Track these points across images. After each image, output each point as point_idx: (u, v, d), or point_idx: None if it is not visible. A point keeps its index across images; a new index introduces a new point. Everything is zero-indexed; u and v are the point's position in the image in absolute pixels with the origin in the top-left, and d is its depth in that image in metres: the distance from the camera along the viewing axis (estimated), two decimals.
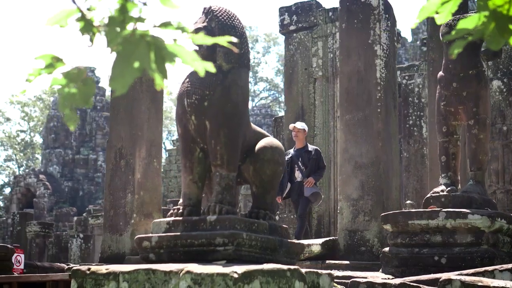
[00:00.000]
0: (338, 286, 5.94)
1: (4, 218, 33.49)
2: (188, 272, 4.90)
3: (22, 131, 48.63)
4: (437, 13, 2.27)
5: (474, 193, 7.41)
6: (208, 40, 2.32)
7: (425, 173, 14.38)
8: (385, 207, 8.65)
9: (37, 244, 23.23)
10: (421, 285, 6.31)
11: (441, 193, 7.46)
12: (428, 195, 7.58)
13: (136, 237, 5.71)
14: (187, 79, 5.71)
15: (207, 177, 5.88)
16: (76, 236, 23.97)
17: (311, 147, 10.48)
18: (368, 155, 8.87)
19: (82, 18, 2.29)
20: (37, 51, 77.03)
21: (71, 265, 11.83)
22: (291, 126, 10.57)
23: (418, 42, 28.70)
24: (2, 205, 43.53)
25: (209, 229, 5.43)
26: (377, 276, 6.95)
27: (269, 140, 5.89)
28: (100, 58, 75.34)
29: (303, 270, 5.19)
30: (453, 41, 7.48)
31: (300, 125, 10.51)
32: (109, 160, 10.65)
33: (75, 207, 34.32)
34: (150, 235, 5.62)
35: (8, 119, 48.31)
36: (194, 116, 5.61)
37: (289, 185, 10.30)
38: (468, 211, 7.03)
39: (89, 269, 5.33)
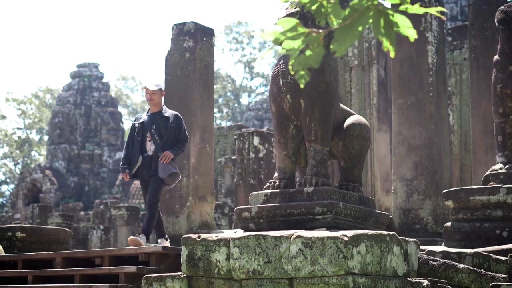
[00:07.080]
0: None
1: (11, 214, 33.75)
2: (298, 236, 5.28)
3: (18, 128, 48.80)
4: None
5: None
6: (421, 10, 2.71)
7: (452, 160, 14.77)
8: (439, 187, 9.06)
9: None
10: (491, 255, 6.74)
11: (499, 171, 7.86)
12: (487, 172, 7.97)
13: (236, 208, 6.11)
14: (281, 61, 6.10)
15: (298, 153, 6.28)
16: (96, 227, 24.33)
17: (169, 112, 8.08)
18: (421, 137, 9.28)
19: None
20: (32, 47, 77.13)
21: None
22: (142, 87, 8.29)
23: None
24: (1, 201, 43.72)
25: (306, 199, 5.82)
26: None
27: (357, 118, 6.30)
28: (103, 54, 75.49)
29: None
30: (510, 27, 7.87)
31: (154, 84, 8.04)
32: None
33: (81, 202, 34.56)
34: (250, 206, 6.01)
35: (4, 117, 48.45)
36: (289, 95, 6.00)
37: (141, 159, 7.92)
38: None
39: (199, 236, 5.71)
